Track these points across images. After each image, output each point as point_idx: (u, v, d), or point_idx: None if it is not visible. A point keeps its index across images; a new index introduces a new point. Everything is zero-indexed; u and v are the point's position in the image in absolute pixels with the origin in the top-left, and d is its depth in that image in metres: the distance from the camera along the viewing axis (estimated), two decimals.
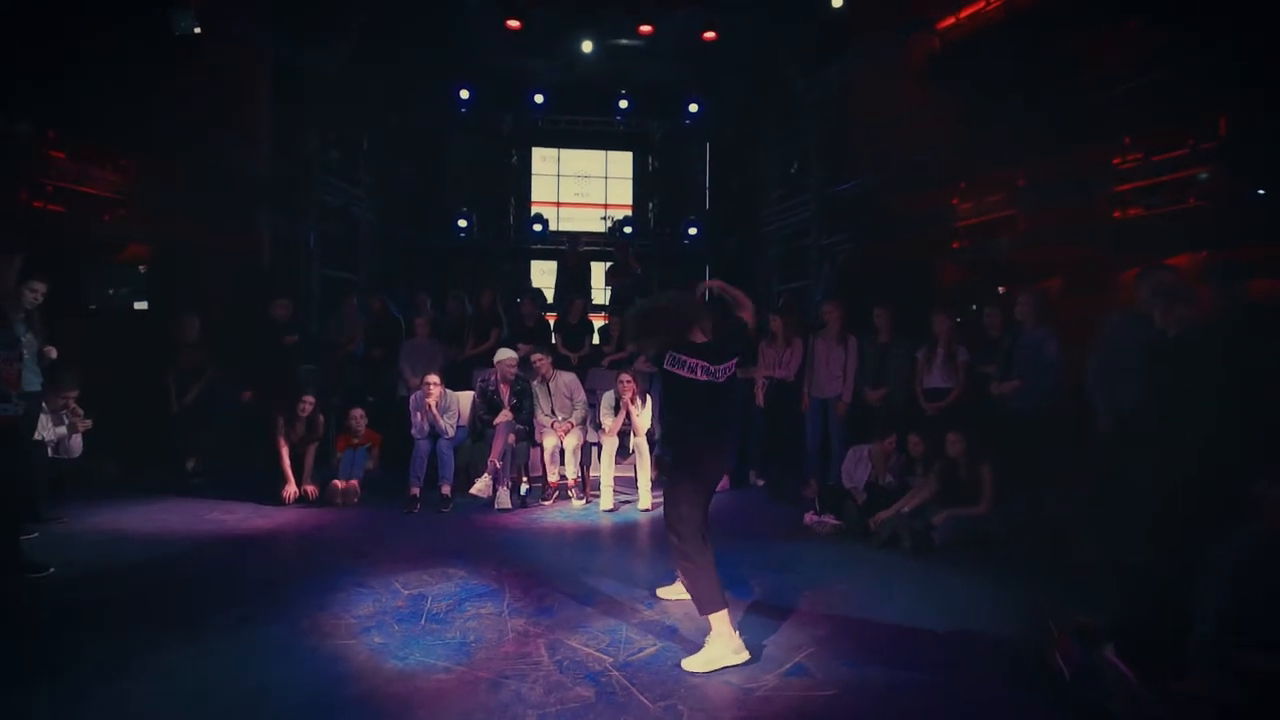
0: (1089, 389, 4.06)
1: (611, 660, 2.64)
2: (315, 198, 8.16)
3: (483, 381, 5.59)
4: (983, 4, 7.54)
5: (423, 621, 2.98)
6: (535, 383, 5.60)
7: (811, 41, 8.78)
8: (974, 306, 7.58)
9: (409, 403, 5.43)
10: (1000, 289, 7.71)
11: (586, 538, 4.51)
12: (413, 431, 5.30)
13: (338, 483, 5.05)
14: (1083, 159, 6.27)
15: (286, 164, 7.81)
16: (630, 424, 5.34)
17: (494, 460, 5.08)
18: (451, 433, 5.33)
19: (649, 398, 5.47)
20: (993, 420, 4.69)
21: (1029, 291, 4.65)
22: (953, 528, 4.25)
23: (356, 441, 5.47)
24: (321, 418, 5.41)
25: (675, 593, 3.37)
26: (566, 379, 5.62)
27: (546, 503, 5.36)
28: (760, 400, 5.89)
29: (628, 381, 5.28)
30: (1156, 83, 5.56)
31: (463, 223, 10.23)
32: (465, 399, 5.76)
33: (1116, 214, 5.98)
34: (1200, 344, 3.34)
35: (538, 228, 10.57)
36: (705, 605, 2.67)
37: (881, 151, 8.07)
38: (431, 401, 5.22)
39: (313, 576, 3.52)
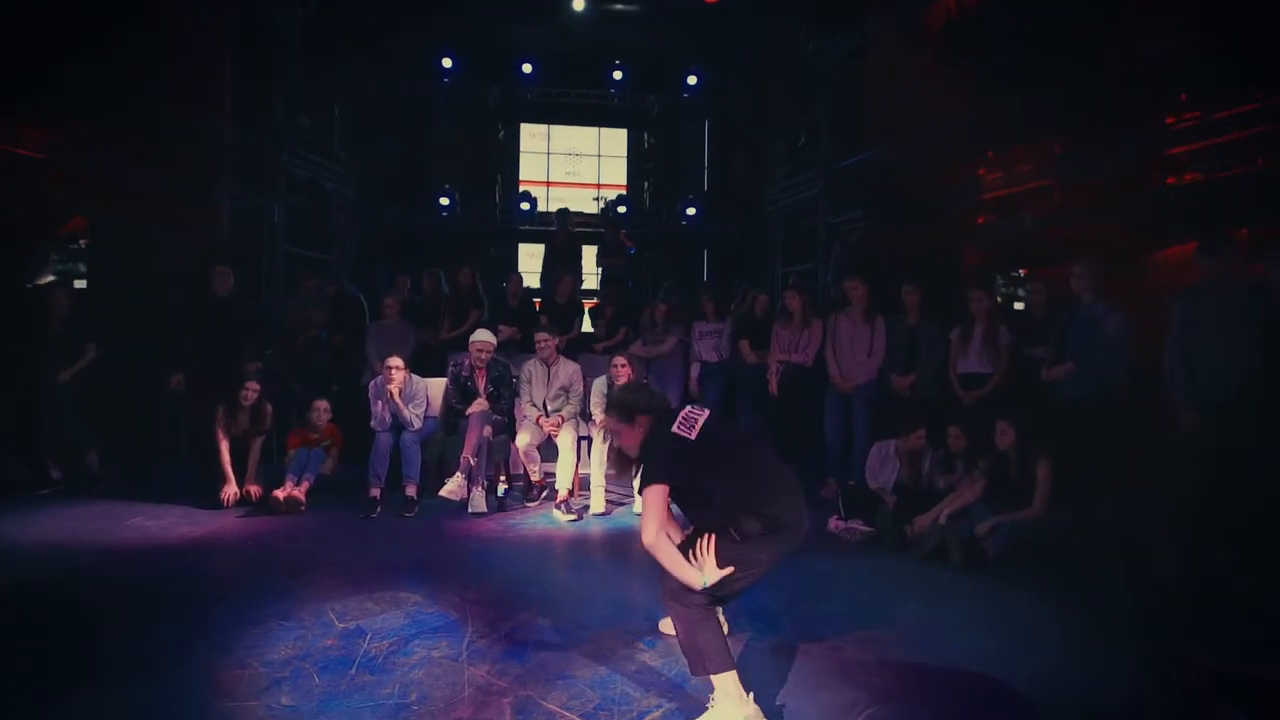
0: (1167, 375, 3.41)
1: None
2: (282, 169, 7.43)
3: (455, 366, 4.88)
4: None
5: (354, 670, 2.28)
6: (531, 365, 4.91)
7: (822, 5, 8.10)
8: (1004, 286, 6.96)
9: (369, 391, 4.72)
10: (1021, 271, 7.10)
11: (574, 550, 3.82)
12: (373, 423, 4.59)
13: (278, 492, 4.31)
14: (1130, 120, 5.61)
15: (249, 131, 7.09)
16: None
17: (467, 456, 4.38)
18: (418, 425, 4.63)
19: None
20: (1044, 409, 4.03)
21: (1085, 261, 3.98)
22: (1006, 536, 3.59)
23: (314, 438, 4.75)
24: (269, 408, 4.69)
25: None
26: (569, 368, 4.92)
27: (530, 505, 4.67)
28: (774, 388, 5.20)
29: (622, 365, 4.58)
30: (1218, 35, 4.91)
31: (445, 201, 9.50)
32: (437, 386, 5.05)
33: (1171, 180, 5.34)
34: None
35: (525, 207, 9.84)
36: (707, 663, 2.01)
37: (898, 121, 7.39)
38: (393, 388, 4.52)
39: (230, 604, 2.82)
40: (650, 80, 10.21)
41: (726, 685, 1.99)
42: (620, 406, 2.33)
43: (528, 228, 10.22)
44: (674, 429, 2.19)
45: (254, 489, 4.44)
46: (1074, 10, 5.99)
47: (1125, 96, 5.54)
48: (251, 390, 4.55)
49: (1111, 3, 5.89)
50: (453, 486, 4.29)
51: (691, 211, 10.11)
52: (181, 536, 3.79)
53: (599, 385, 4.74)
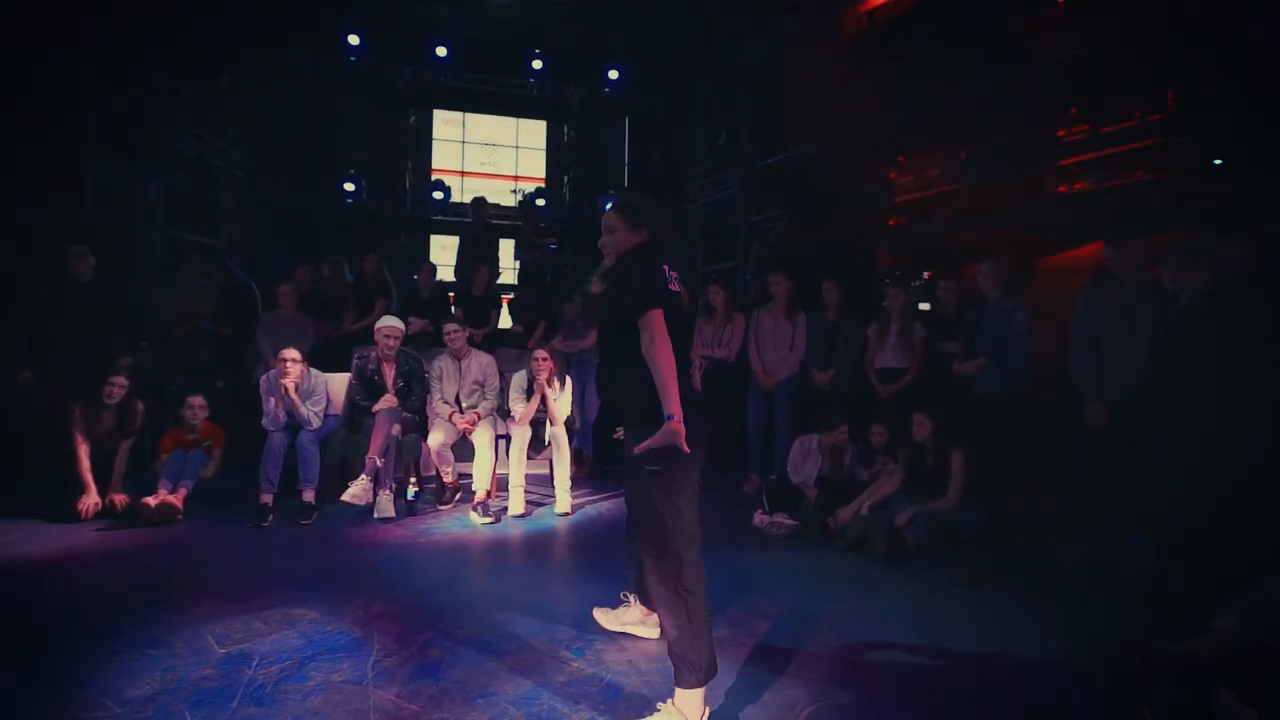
0: (1073, 369, 3.59)
1: None
2: (160, 143, 6.66)
3: (360, 359, 4.51)
4: None
5: (235, 702, 1.98)
6: (442, 360, 4.60)
7: (744, 4, 8.18)
8: (916, 284, 7.26)
9: (261, 386, 4.26)
10: (926, 274, 7.46)
11: (492, 554, 3.58)
12: (264, 422, 4.15)
13: (149, 500, 3.80)
14: (1027, 131, 5.99)
15: (119, 99, 6.30)
16: (545, 411, 4.45)
17: (373, 457, 4.04)
18: (317, 423, 4.23)
19: (568, 380, 4.60)
20: (959, 403, 4.18)
21: (993, 259, 4.16)
22: (925, 526, 3.68)
23: (191, 439, 4.24)
24: (140, 406, 4.14)
25: (618, 620, 2.54)
26: (482, 360, 4.64)
27: (443, 508, 4.37)
28: (698, 383, 5.13)
29: (544, 360, 4.38)
30: (1101, 52, 5.28)
31: (350, 186, 8.88)
32: (339, 382, 4.66)
33: (1062, 188, 5.73)
34: (1223, 307, 2.89)
35: (439, 196, 9.37)
36: (692, 674, 1.87)
37: (816, 122, 7.57)
38: (288, 383, 4.10)
39: (82, 634, 2.41)
40: (571, 72, 9.99)
41: (692, 702, 1.86)
42: (631, 206, 2.11)
43: (441, 218, 9.74)
44: (667, 270, 2.00)
45: (119, 498, 3.90)
46: (979, 24, 6.32)
47: (1024, 107, 5.89)
48: (117, 387, 4.00)
49: (1012, 19, 6.26)
50: (356, 490, 3.94)
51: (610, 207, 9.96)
52: (25, 556, 3.25)
53: (519, 380, 4.51)
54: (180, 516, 3.86)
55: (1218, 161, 4.54)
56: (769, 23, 7.93)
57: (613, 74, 9.88)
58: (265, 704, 1.97)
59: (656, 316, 1.89)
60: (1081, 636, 2.53)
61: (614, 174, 10.87)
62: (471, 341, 4.85)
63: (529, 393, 4.45)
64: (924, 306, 6.65)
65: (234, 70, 8.01)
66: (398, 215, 9.51)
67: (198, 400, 4.36)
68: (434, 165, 10.30)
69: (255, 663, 2.21)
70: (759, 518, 4.15)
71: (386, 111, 9.77)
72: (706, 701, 1.90)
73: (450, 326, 4.54)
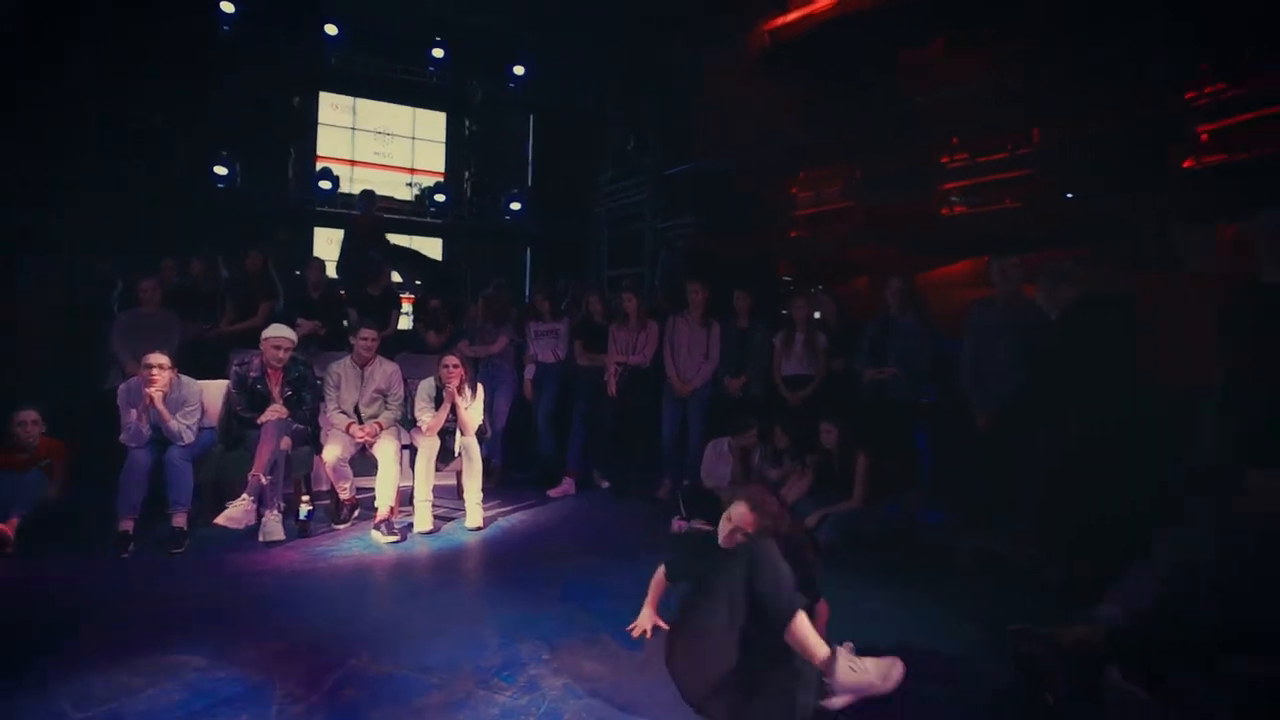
0: (962, 378, 3.90)
1: None
2: None
3: (241, 366, 4.06)
4: (811, 9, 7.58)
5: None
6: (341, 366, 4.23)
7: (658, 13, 8.25)
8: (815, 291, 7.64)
9: (119, 396, 3.72)
10: (819, 286, 7.88)
11: (401, 577, 3.33)
12: (124, 437, 3.62)
13: None
14: (914, 156, 6.47)
15: None
16: (455, 420, 4.22)
17: (258, 474, 3.64)
18: (189, 437, 3.75)
19: (479, 387, 4.39)
20: (863, 409, 4.41)
21: (897, 277, 4.44)
22: (834, 527, 3.84)
23: (24, 459, 3.62)
24: None
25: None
26: (387, 368, 4.32)
27: (340, 527, 4.03)
28: (613, 390, 5.09)
29: (454, 366, 4.15)
30: (979, 90, 5.81)
31: (222, 170, 8.03)
32: (215, 390, 4.17)
33: (944, 211, 6.23)
34: (1090, 316, 3.24)
35: (326, 186, 8.70)
36: None
37: (723, 135, 7.78)
38: (155, 392, 3.61)
39: None
40: (475, 64, 9.65)
41: None
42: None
43: (328, 209, 9.06)
44: None
45: None
46: (871, 55, 6.74)
47: (911, 134, 6.36)
48: None
49: (901, 52, 6.73)
50: (234, 513, 3.53)
51: (516, 206, 9.72)
52: None
53: (425, 387, 4.25)
54: (9, 549, 3.28)
55: (1069, 195, 5.11)
56: (679, 35, 8.05)
57: (519, 70, 9.65)
58: None
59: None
60: (982, 626, 2.72)
61: (518, 173, 10.62)
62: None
63: (437, 401, 4.20)
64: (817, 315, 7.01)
65: (87, 33, 7.00)
66: (279, 204, 8.74)
67: (29, 415, 3.71)
68: (319, 152, 9.58)
69: None
70: (677, 524, 4.16)
71: (265, 90, 8.92)
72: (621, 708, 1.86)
73: (367, 332, 4.20)
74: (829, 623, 2.31)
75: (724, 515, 2.40)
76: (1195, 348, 2.73)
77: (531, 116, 10.65)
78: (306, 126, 9.46)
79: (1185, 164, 4.56)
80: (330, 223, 9.24)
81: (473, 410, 4.24)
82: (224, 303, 5.19)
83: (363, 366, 4.28)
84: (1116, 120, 5.07)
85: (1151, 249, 4.10)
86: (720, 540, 2.29)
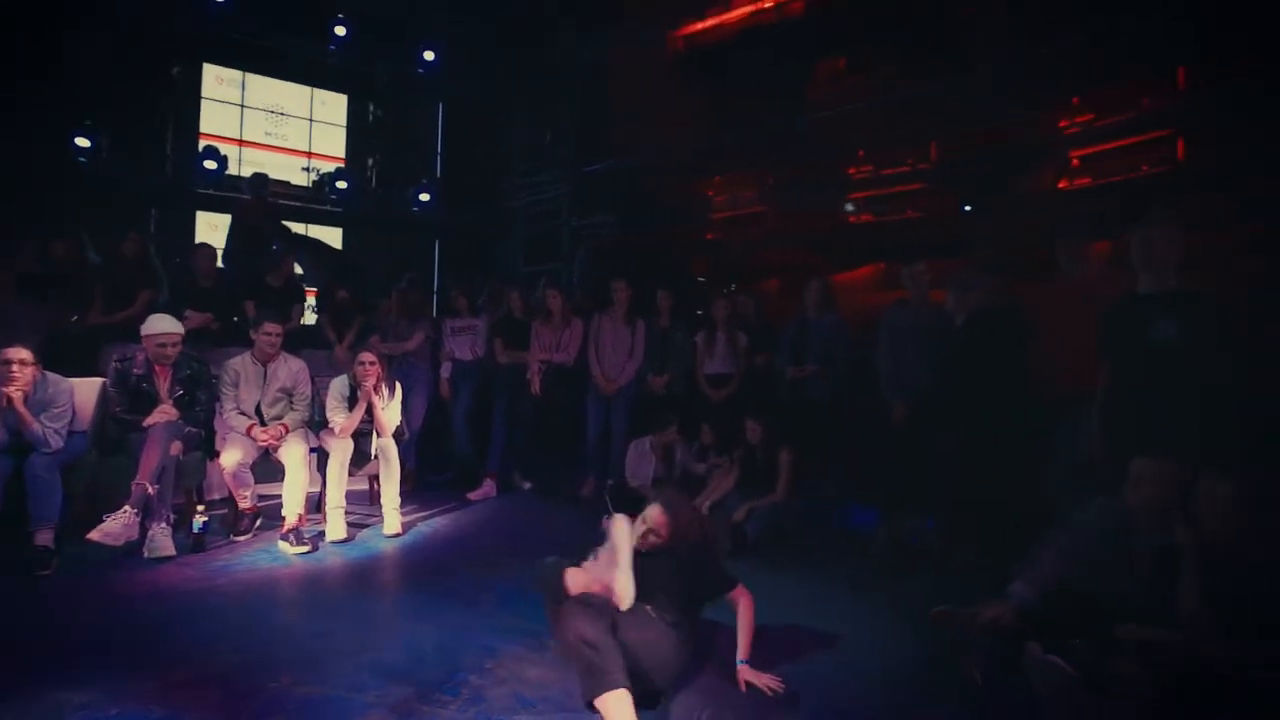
0: (880, 375, 4.13)
1: None
2: None
3: (121, 361, 3.63)
4: (723, 19, 7.80)
5: None
6: (241, 363, 3.87)
7: (574, 8, 8.17)
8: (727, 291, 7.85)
9: None
10: (733, 285, 8.14)
11: (319, 590, 3.09)
12: None
13: None
14: (823, 166, 6.80)
15: None
16: (370, 421, 3.98)
17: (144, 482, 3.26)
18: (57, 443, 3.30)
19: (397, 386, 4.17)
20: (785, 406, 4.57)
21: (817, 279, 4.64)
22: (761, 521, 3.96)
23: None
24: None
25: None
26: (293, 365, 4.00)
27: (239, 539, 3.69)
28: (537, 388, 4.99)
29: (370, 364, 3.91)
30: (880, 107, 6.19)
31: (84, 142, 7.12)
32: (87, 389, 3.70)
33: (851, 219, 6.59)
34: (989, 322, 3.52)
35: (212, 166, 7.93)
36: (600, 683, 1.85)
37: (640, 135, 7.83)
38: (15, 392, 3.15)
39: None
40: (381, 46, 9.14)
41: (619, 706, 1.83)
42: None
43: (214, 192, 8.28)
44: None
45: None
46: (782, 67, 7.02)
47: (819, 145, 6.68)
48: None
49: (807, 66, 7.05)
50: (113, 527, 3.13)
51: (425, 197, 9.31)
52: None
53: (338, 386, 3.99)
54: None
55: (967, 208, 5.56)
56: (598, 33, 8.02)
57: (428, 55, 9.24)
58: None
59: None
60: (900, 609, 2.89)
61: (426, 162, 10.17)
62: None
63: (351, 401, 3.94)
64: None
65: None
66: (155, 184, 7.88)
67: None
68: (203, 129, 8.75)
69: None
70: (606, 523, 4.13)
71: (139, 56, 8.01)
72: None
73: (271, 327, 3.86)
74: (755, 609, 2.36)
75: (640, 517, 2.42)
76: (1080, 352, 3.03)
77: (441, 105, 10.24)
78: (188, 100, 8.60)
79: (1060, 184, 5.09)
80: (215, 207, 8.45)
81: (390, 410, 4.02)
82: (93, 290, 4.61)
83: (265, 364, 3.95)
84: (999, 141, 5.57)
85: (1035, 261, 4.54)
86: (634, 542, 2.30)
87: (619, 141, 7.88)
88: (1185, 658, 2.01)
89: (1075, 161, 5.06)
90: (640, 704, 1.94)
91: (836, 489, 4.48)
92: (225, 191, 8.23)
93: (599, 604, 2.07)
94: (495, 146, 9.70)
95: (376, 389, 3.92)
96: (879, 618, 2.88)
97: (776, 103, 6.85)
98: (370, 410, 3.92)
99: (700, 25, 7.96)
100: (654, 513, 2.42)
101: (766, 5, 7.28)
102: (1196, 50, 4.47)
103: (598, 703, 1.84)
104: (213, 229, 8.60)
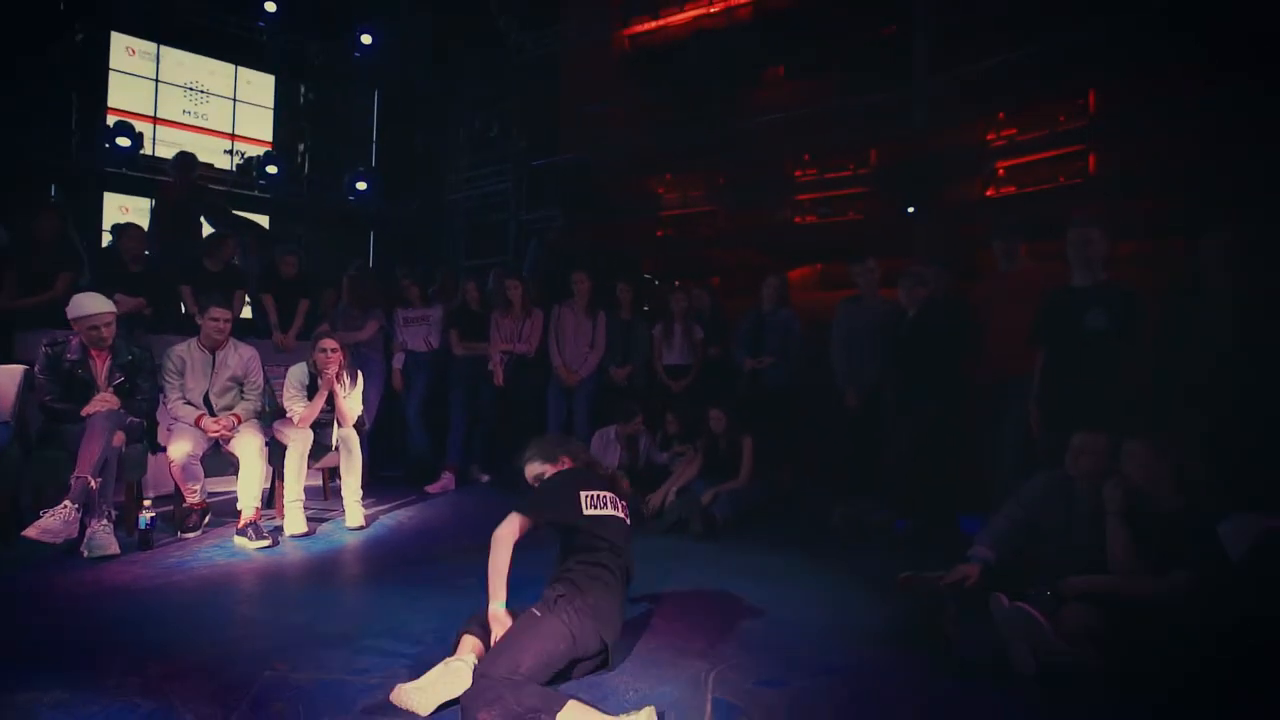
0: (834, 365, 4.37)
1: None
2: None
3: (52, 346, 3.34)
4: (668, 22, 7.98)
5: None
6: (185, 349, 3.64)
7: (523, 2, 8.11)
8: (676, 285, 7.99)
9: None
10: (676, 282, 8.32)
11: (287, 583, 2.96)
12: None
13: None
14: (769, 168, 7.07)
15: None
16: (332, 411, 3.84)
17: (84, 475, 3.02)
18: None
19: (359, 375, 4.03)
20: (745, 396, 4.74)
21: (774, 275, 4.83)
22: (728, 504, 4.10)
23: None
24: None
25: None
26: (244, 353, 3.78)
27: (188, 536, 3.46)
28: (499, 379, 4.94)
29: (333, 350, 3.78)
30: (821, 112, 6.52)
31: None
32: (8, 377, 3.39)
33: (797, 219, 6.88)
34: (940, 312, 3.81)
35: (124, 142, 7.34)
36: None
37: (590, 131, 7.86)
38: None
39: None
40: (313, 25, 8.74)
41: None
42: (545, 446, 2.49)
43: (127, 172, 7.67)
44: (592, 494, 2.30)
45: None
46: (727, 71, 7.24)
47: (765, 148, 6.93)
48: None
49: (751, 72, 7.30)
50: (51, 523, 2.89)
51: (362, 186, 8.97)
52: None
53: (296, 374, 3.83)
54: None
55: (910, 210, 5.93)
56: (547, 27, 7.99)
57: (366, 38, 8.90)
58: None
59: (516, 519, 2.17)
60: (861, 576, 3.08)
61: (361, 150, 9.79)
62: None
63: (311, 390, 3.79)
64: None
65: None
66: (57, 161, 7.21)
67: None
68: (111, 104, 8.08)
69: None
70: None
71: (38, 21, 7.31)
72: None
73: (219, 312, 3.63)
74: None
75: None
76: (1020, 340, 3.33)
77: (377, 90, 9.88)
78: (92, 70, 7.91)
79: (988, 192, 5.53)
80: (127, 188, 7.84)
81: (352, 399, 3.89)
82: (1, 272, 4.19)
83: (213, 351, 3.73)
84: (934, 150, 5.99)
85: (967, 261, 4.93)
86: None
87: (569, 135, 7.89)
88: (1122, 596, 2.28)
89: (1001, 171, 5.52)
90: (599, 668, 2.07)
91: (794, 474, 4.69)
92: (140, 172, 7.65)
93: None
94: (435, 136, 9.47)
95: (338, 377, 3.78)
96: (847, 584, 3.05)
97: (723, 105, 7.07)
98: (331, 399, 3.78)
99: (646, 26, 8.09)
100: (529, 473, 2.49)
101: (712, 10, 7.50)
102: (1105, 75, 4.99)
103: None
104: (121, 211, 7.98)
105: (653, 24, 8.05)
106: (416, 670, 1.98)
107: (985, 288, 4.05)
